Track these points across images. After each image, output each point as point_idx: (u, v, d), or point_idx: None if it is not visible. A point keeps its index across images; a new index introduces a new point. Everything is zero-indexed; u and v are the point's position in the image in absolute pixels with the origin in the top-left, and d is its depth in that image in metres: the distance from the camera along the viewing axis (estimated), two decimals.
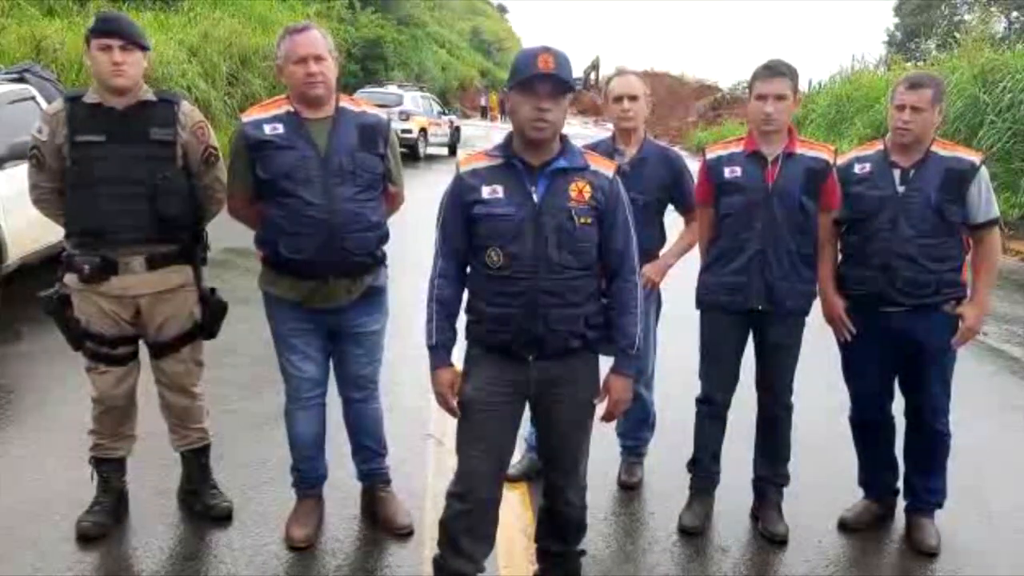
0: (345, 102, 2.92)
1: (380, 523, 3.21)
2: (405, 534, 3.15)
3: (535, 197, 2.33)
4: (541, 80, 2.24)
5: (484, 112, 40.47)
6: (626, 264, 2.44)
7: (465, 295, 2.50)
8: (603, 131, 3.82)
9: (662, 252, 3.45)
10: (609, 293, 2.46)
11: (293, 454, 3.14)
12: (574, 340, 2.39)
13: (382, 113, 3.04)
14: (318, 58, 2.77)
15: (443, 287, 2.46)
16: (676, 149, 4.25)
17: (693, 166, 3.47)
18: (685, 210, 3.50)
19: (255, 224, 2.94)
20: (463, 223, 2.40)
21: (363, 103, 3.02)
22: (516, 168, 2.37)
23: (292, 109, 2.81)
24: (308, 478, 3.17)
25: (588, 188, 2.36)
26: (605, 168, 2.44)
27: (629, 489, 3.63)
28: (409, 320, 3.48)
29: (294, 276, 2.86)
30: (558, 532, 2.67)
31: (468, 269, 2.48)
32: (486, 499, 2.49)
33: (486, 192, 2.36)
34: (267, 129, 2.78)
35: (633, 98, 3.37)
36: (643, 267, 3.22)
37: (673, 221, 3.52)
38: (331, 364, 3.12)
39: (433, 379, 2.51)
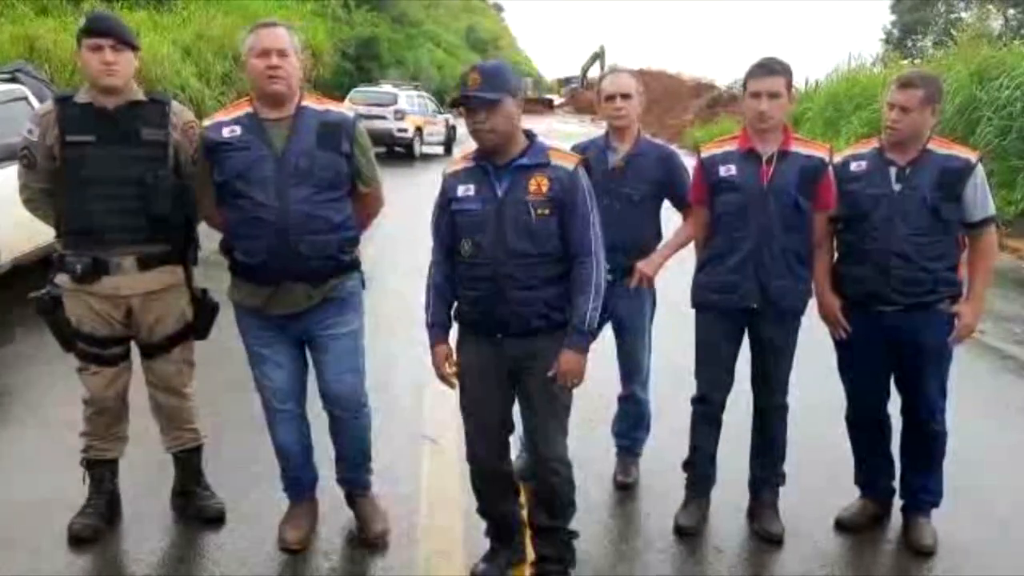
0: (309, 101, 2.83)
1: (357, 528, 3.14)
2: (378, 542, 3.07)
3: (499, 192, 2.60)
4: (469, 100, 2.54)
5: None
6: (583, 248, 2.62)
7: None
8: (599, 129, 3.84)
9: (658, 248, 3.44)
10: (571, 277, 2.65)
11: (280, 462, 3.10)
12: (536, 320, 2.63)
13: (348, 111, 2.95)
14: (281, 52, 2.70)
15: (436, 274, 2.79)
16: (671, 146, 4.26)
17: (690, 164, 3.46)
18: (681, 206, 3.50)
19: (217, 223, 2.94)
20: (447, 218, 2.70)
21: (328, 102, 2.91)
22: (486, 168, 2.65)
23: (252, 110, 2.77)
24: (298, 484, 3.14)
25: (546, 182, 2.59)
26: (567, 162, 2.65)
27: (624, 489, 3.61)
28: (404, 321, 3.45)
29: (252, 281, 2.82)
30: (547, 505, 2.80)
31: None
32: (485, 458, 2.79)
33: (460, 191, 2.66)
34: (225, 132, 2.75)
35: (626, 96, 3.38)
36: (637, 263, 3.27)
37: (670, 217, 3.52)
38: (308, 376, 3.04)
39: (431, 355, 2.81)
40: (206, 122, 2.84)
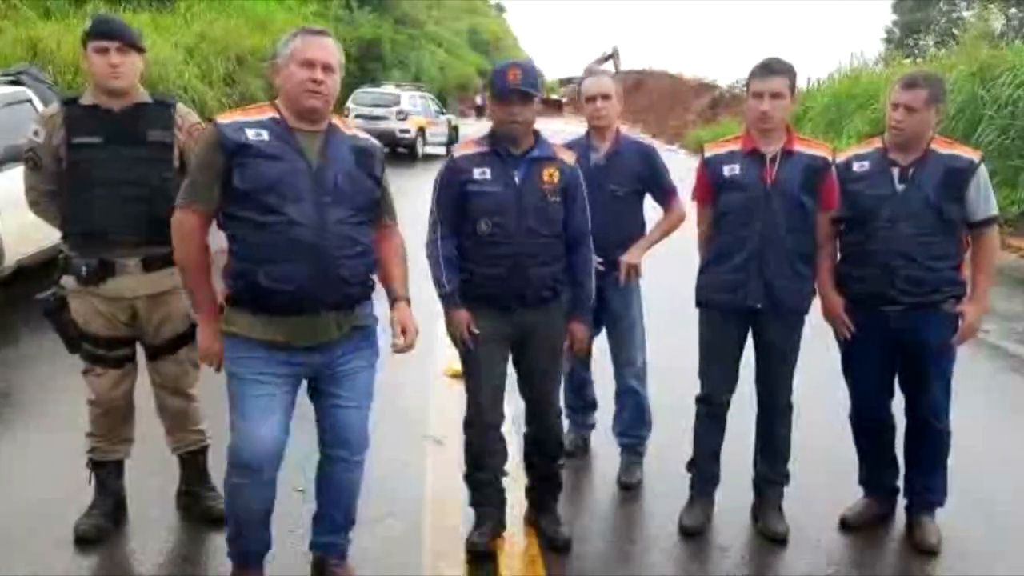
0: (336, 121, 2.60)
1: None
2: None
3: (516, 179, 2.86)
4: (511, 92, 2.79)
5: (480, 111, 40.48)
6: (584, 234, 3.01)
7: None
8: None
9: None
10: (572, 261, 3.01)
11: (231, 529, 2.66)
12: (546, 292, 2.94)
13: (374, 139, 2.76)
14: (327, 67, 2.45)
15: (444, 247, 2.92)
16: (650, 142, 4.38)
17: (693, 164, 3.47)
18: (662, 200, 3.66)
19: (197, 256, 2.51)
20: (457, 198, 2.88)
21: (354, 127, 2.71)
22: (501, 156, 2.89)
23: (279, 117, 2.47)
24: (248, 552, 2.69)
25: (557, 173, 2.91)
26: (568, 157, 3.00)
27: (628, 489, 3.62)
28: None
29: (274, 311, 2.45)
30: (543, 449, 3.15)
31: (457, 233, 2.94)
32: (489, 422, 3.04)
33: (477, 173, 2.87)
34: (250, 134, 2.41)
35: (606, 97, 3.53)
36: (621, 257, 3.45)
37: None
38: (296, 421, 2.62)
39: (450, 319, 2.96)
40: (220, 119, 2.47)
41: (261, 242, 2.41)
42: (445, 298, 2.95)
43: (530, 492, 3.23)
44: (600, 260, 3.18)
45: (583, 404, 3.93)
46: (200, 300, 2.58)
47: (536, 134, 2.94)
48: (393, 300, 2.69)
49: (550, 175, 2.90)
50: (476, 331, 2.93)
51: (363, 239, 2.56)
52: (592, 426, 3.97)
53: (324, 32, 2.54)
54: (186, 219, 2.49)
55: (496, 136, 2.92)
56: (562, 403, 3.84)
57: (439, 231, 2.93)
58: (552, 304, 2.98)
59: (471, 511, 3.15)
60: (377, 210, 2.66)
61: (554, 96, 47.93)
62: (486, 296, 2.92)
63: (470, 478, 3.13)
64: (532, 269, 2.88)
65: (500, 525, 3.14)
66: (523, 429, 3.20)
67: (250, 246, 2.43)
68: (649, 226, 3.64)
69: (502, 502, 3.16)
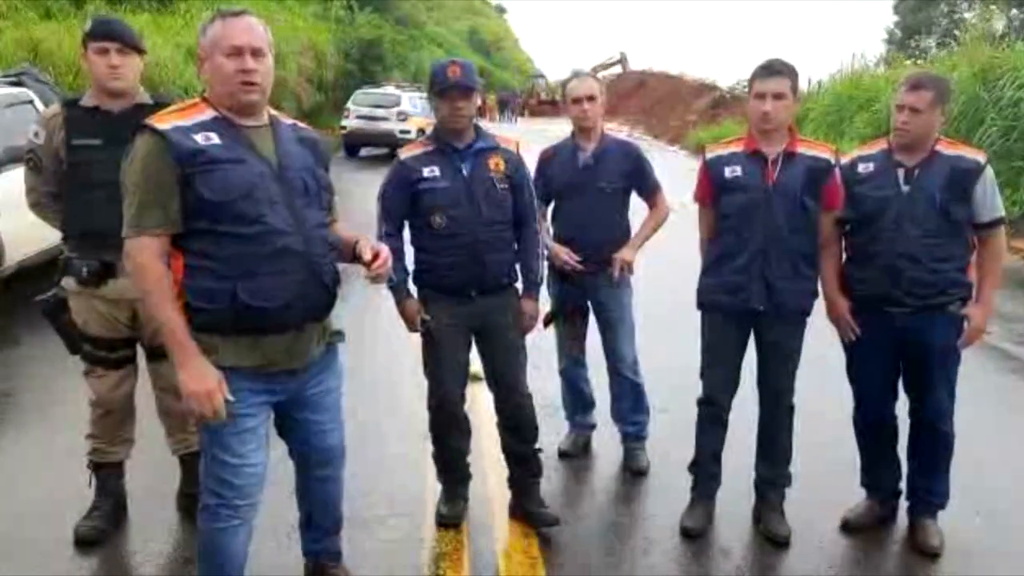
0: (272, 110, 2.38)
1: None
2: None
3: (465, 172, 3.01)
4: (453, 87, 2.94)
5: (480, 111, 40.58)
6: (530, 215, 3.19)
7: (411, 252, 3.13)
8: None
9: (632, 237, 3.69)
10: (520, 237, 3.18)
11: (211, 571, 2.40)
12: (503, 278, 3.11)
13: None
14: (256, 52, 2.20)
15: (392, 242, 2.93)
16: (634, 140, 4.42)
17: (693, 164, 3.47)
18: (647, 195, 3.75)
19: (162, 285, 2.15)
20: (406, 197, 3.03)
21: (286, 115, 2.48)
22: (446, 152, 3.03)
23: (219, 115, 2.22)
24: None
25: (502, 162, 3.07)
26: (510, 145, 3.16)
27: (639, 475, 3.69)
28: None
29: (256, 332, 2.22)
30: (518, 432, 3.24)
31: (411, 231, 3.12)
32: (453, 407, 3.17)
33: (426, 172, 3.00)
34: (198, 138, 2.15)
35: (591, 99, 3.58)
36: (616, 254, 3.53)
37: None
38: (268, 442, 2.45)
39: (401, 310, 3.14)
40: (159, 124, 2.15)
41: (239, 255, 2.15)
42: (394, 291, 3.10)
43: (511, 481, 3.32)
44: (583, 259, 3.50)
45: (582, 404, 3.95)
46: (178, 332, 2.16)
47: (477, 128, 3.11)
48: (354, 241, 2.43)
49: (496, 164, 3.05)
50: (428, 317, 3.09)
51: (331, 239, 2.40)
52: (592, 426, 3.98)
53: (245, 11, 2.25)
54: (142, 248, 2.15)
55: (440, 133, 3.07)
56: (560, 404, 3.90)
57: (383, 228, 3.09)
58: (509, 290, 3.15)
59: (473, 511, 3.14)
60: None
61: (557, 98, 47.85)
62: (445, 287, 3.07)
63: (438, 456, 3.28)
64: (488, 256, 3.02)
65: (466, 498, 3.31)
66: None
67: (223, 261, 2.15)
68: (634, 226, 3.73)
69: (467, 477, 3.31)
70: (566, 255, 3.56)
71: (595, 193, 3.57)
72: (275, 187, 2.21)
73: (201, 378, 2.16)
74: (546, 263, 3.49)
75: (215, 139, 2.16)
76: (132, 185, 2.17)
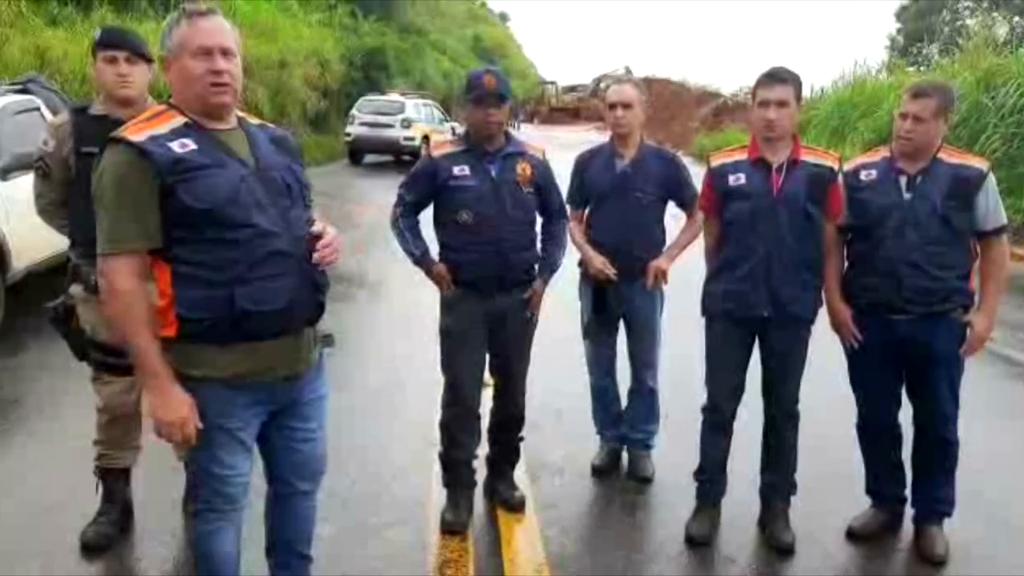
0: (239, 112, 2.30)
1: None
2: None
3: (493, 174, 3.16)
4: (490, 96, 3.09)
5: None
6: (561, 211, 3.43)
7: (435, 248, 3.29)
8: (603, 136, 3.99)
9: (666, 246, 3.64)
10: (549, 230, 3.40)
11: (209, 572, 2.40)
12: (523, 275, 3.26)
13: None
14: (226, 52, 2.12)
15: (407, 217, 3.26)
16: (671, 149, 4.38)
17: (696, 171, 3.49)
18: (685, 205, 3.70)
19: (141, 309, 2.07)
20: (431, 189, 3.20)
21: (251, 116, 2.39)
22: (477, 153, 3.18)
23: (190, 120, 2.13)
24: None
25: (529, 167, 3.23)
26: (538, 152, 3.33)
27: (645, 482, 3.69)
28: (416, 326, 3.47)
29: (253, 338, 2.14)
30: (507, 425, 3.43)
31: (436, 228, 3.27)
32: (470, 403, 3.30)
33: (456, 170, 3.15)
34: (175, 147, 2.05)
35: (627, 106, 3.59)
36: (651, 262, 3.51)
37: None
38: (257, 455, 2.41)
39: (432, 275, 3.27)
40: (132, 136, 2.05)
41: (231, 261, 2.08)
42: (420, 262, 3.28)
43: (490, 461, 3.51)
44: (619, 268, 3.50)
45: (611, 418, 3.88)
46: (151, 358, 2.08)
47: (507, 134, 3.25)
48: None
49: (523, 169, 3.21)
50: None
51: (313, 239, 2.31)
52: (623, 439, 3.88)
53: (213, 11, 2.17)
54: (117, 270, 2.05)
55: (471, 136, 3.21)
56: (590, 419, 3.89)
57: (401, 209, 3.27)
58: (526, 287, 3.27)
59: (479, 516, 3.14)
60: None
61: (559, 104, 47.51)
62: (468, 282, 3.19)
63: (446, 457, 3.35)
64: (512, 254, 3.17)
65: (471, 505, 3.36)
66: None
67: (215, 268, 2.08)
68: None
69: (472, 483, 3.39)
70: (601, 264, 3.52)
71: (631, 201, 3.55)
72: (259, 189, 2.15)
73: (174, 407, 2.10)
74: (580, 269, 3.66)
75: (192, 145, 2.08)
76: (106, 201, 2.07)
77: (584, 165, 3.71)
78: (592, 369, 3.85)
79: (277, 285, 2.13)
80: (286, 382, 2.26)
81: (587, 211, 3.71)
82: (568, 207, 3.56)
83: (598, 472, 3.78)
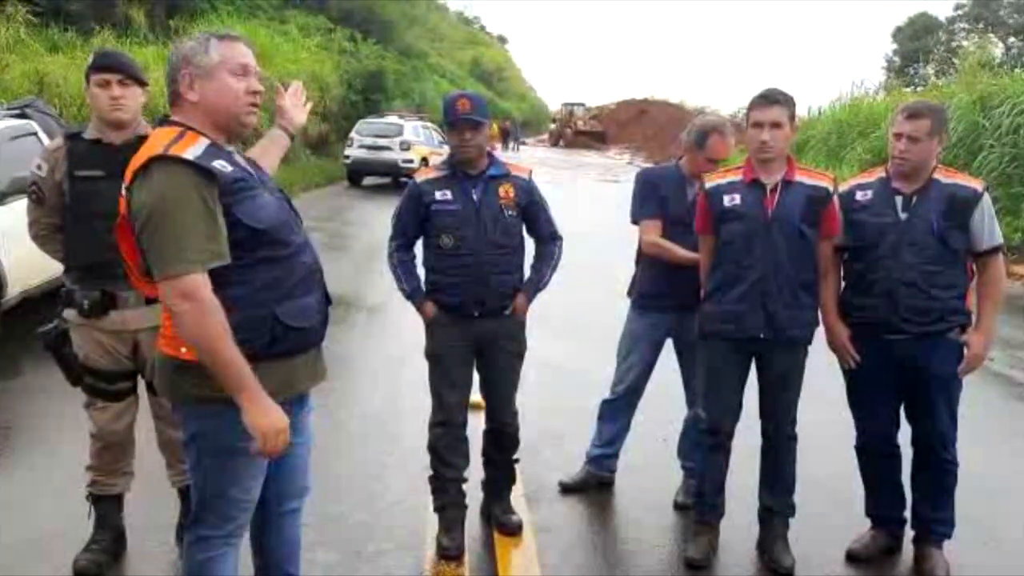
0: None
1: None
2: None
3: (475, 197, 3.16)
4: (463, 121, 3.10)
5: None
6: (553, 232, 3.39)
7: (422, 272, 3.31)
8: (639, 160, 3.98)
9: None
10: (540, 251, 3.39)
11: None
12: (506, 300, 3.23)
13: None
14: (257, 74, 2.20)
15: (401, 254, 3.30)
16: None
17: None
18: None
19: (224, 323, 1.98)
20: (418, 218, 3.22)
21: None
22: (459, 177, 3.19)
23: (211, 141, 2.10)
24: None
25: (512, 189, 3.23)
26: (522, 173, 3.33)
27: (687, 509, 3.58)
28: (417, 352, 3.46)
29: (286, 355, 2.15)
30: (499, 446, 3.42)
31: (423, 251, 3.29)
32: (459, 423, 3.31)
33: (438, 195, 3.17)
34: (217, 165, 2.03)
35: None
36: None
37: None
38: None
39: (420, 310, 3.29)
40: (184, 152, 2.01)
41: (276, 280, 2.10)
42: (410, 297, 3.30)
43: (486, 484, 3.51)
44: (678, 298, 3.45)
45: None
46: (245, 371, 2.00)
47: (491, 156, 3.26)
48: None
49: (506, 191, 3.21)
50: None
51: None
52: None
53: (239, 35, 2.22)
54: (203, 283, 1.97)
55: (454, 160, 3.23)
56: (590, 442, 3.85)
57: (395, 243, 3.32)
58: (509, 314, 3.26)
59: (474, 522, 3.10)
60: None
61: (600, 128, 46.07)
62: (451, 306, 3.21)
63: (437, 478, 3.31)
64: (493, 277, 3.16)
65: (463, 528, 3.31)
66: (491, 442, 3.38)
67: (261, 288, 2.08)
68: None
69: (463, 505, 3.34)
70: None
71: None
72: (285, 210, 2.20)
73: (278, 416, 2.04)
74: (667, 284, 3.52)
75: (227, 166, 2.05)
76: (172, 219, 1.97)
77: (654, 182, 3.64)
78: (614, 386, 3.80)
79: (311, 300, 2.20)
80: (300, 398, 2.27)
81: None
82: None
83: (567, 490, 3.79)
